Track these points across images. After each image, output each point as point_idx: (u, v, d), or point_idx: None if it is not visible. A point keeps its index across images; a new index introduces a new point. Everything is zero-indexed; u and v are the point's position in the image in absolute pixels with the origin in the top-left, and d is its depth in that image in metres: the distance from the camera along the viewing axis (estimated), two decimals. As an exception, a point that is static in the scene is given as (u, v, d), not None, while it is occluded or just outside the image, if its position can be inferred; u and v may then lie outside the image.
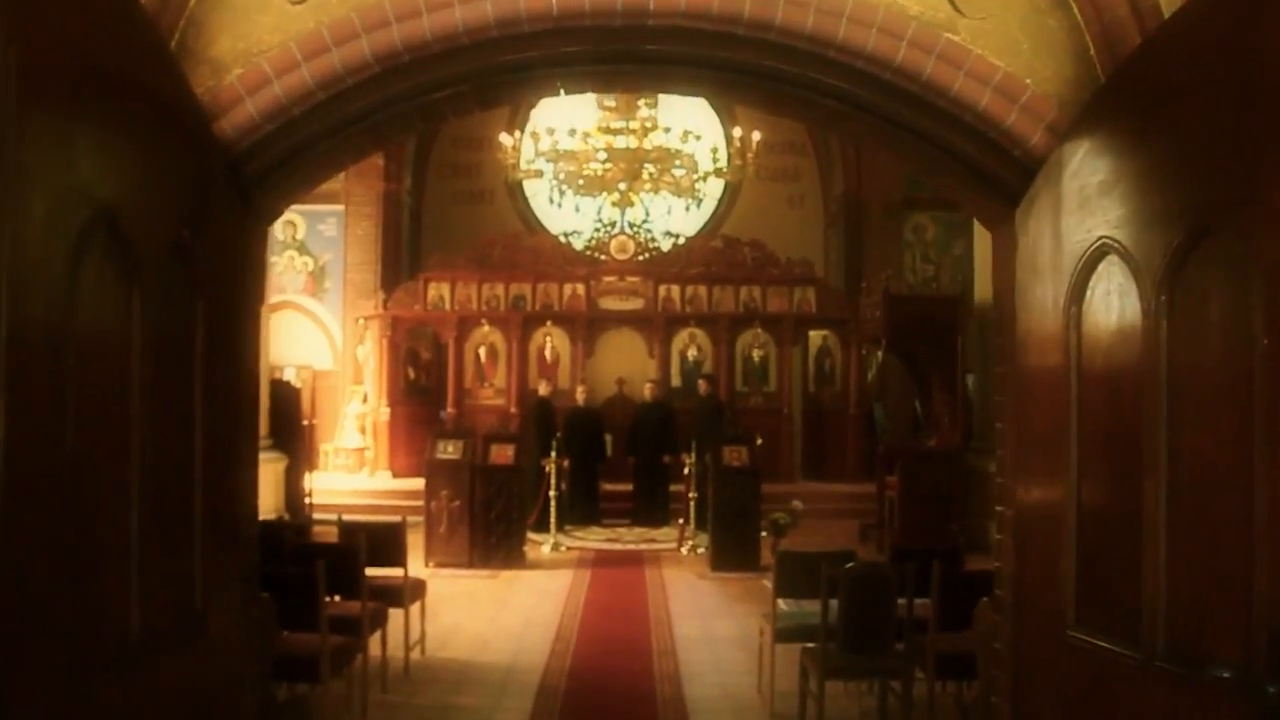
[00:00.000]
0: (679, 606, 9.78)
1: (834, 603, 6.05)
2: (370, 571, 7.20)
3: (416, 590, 8.00)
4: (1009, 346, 4.46)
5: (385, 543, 7.66)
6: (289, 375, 17.37)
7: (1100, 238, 3.79)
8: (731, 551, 11.34)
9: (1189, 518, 3.35)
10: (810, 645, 6.32)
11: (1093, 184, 3.88)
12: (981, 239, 13.24)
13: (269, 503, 12.45)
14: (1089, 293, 3.87)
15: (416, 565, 10.94)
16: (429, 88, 4.38)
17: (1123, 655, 3.59)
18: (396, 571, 7.70)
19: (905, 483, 12.46)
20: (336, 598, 6.91)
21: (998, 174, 4.41)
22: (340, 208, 18.11)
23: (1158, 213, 3.53)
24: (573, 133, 12.59)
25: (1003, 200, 4.45)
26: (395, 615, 7.50)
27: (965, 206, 4.88)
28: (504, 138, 12.90)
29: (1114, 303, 3.74)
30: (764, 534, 11.48)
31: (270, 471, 12.73)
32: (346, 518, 14.07)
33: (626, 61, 4.47)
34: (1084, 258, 3.87)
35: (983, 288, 13.18)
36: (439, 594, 9.74)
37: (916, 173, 5.44)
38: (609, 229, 15.57)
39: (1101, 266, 3.81)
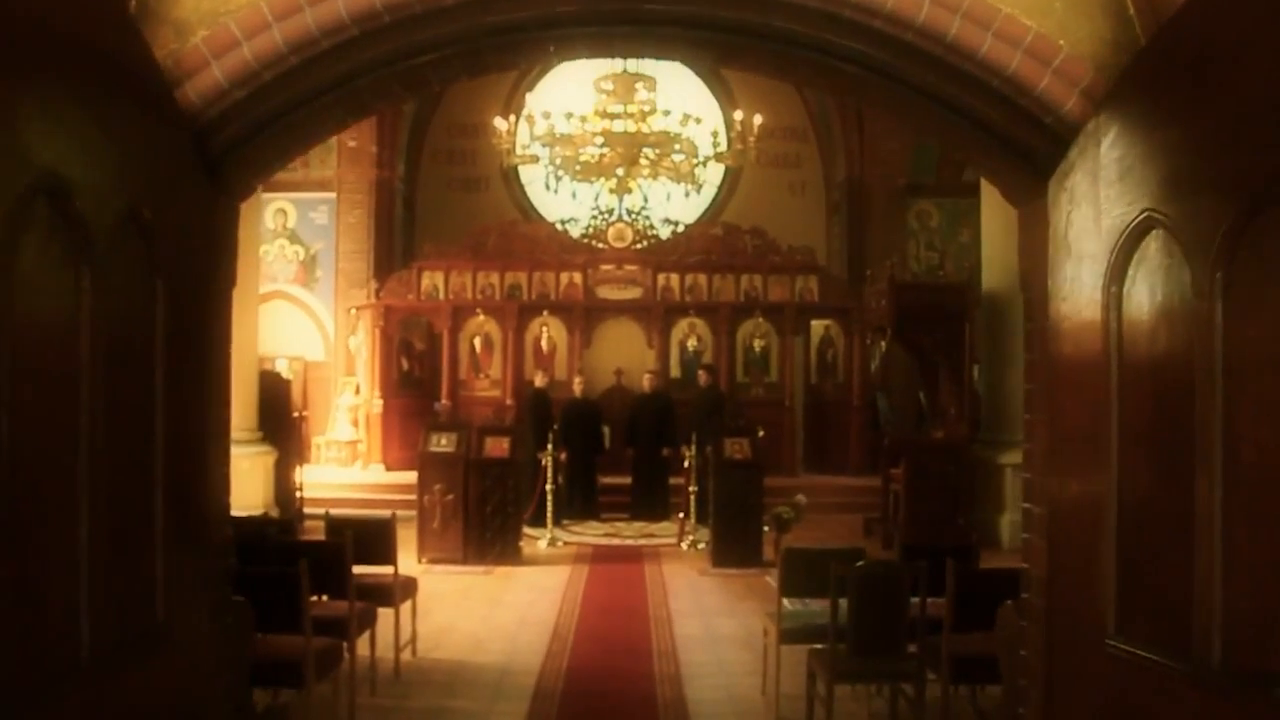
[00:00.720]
0: (679, 604, 9.50)
1: (843, 602, 5.79)
2: (359, 569, 6.99)
3: (407, 588, 7.74)
4: (1039, 331, 4.13)
5: (374, 539, 7.44)
6: (281, 366, 17.13)
7: (1144, 211, 3.47)
8: (733, 547, 11.07)
9: (1248, 517, 3.05)
10: (818, 647, 6.07)
11: (1135, 153, 3.56)
12: (990, 225, 12.98)
13: (258, 497, 12.17)
14: (1131, 271, 3.56)
15: (409, 561, 10.69)
16: (411, 51, 4.04)
17: (1171, 668, 3.28)
18: (386, 569, 7.46)
19: (911, 476, 12.20)
20: (324, 597, 6.68)
21: (1028, 144, 4.08)
22: (332, 195, 17.83)
23: (1211, 183, 3.22)
24: (569, 116, 12.24)
25: (1033, 173, 4.12)
26: (385, 615, 7.24)
27: (992, 181, 4.55)
28: (499, 122, 12.54)
29: (1160, 282, 3.43)
30: (766, 529, 11.19)
31: (259, 465, 12.45)
32: (338, 512, 13.89)
33: (624, 23, 4.12)
34: (1125, 233, 3.55)
35: (990, 275, 12.92)
36: (432, 591, 9.50)
37: (940, 144, 5.11)
38: (606, 216, 15.30)
39: (1146, 243, 3.49)
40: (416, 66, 4.13)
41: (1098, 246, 3.70)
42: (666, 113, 11.99)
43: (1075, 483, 3.84)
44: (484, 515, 11.18)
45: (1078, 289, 3.82)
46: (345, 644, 6.33)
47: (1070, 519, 3.86)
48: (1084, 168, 3.82)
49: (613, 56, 8.07)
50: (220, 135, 4.00)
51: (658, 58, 5.64)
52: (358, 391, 16.93)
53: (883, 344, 16.56)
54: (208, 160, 4.03)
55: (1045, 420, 4.08)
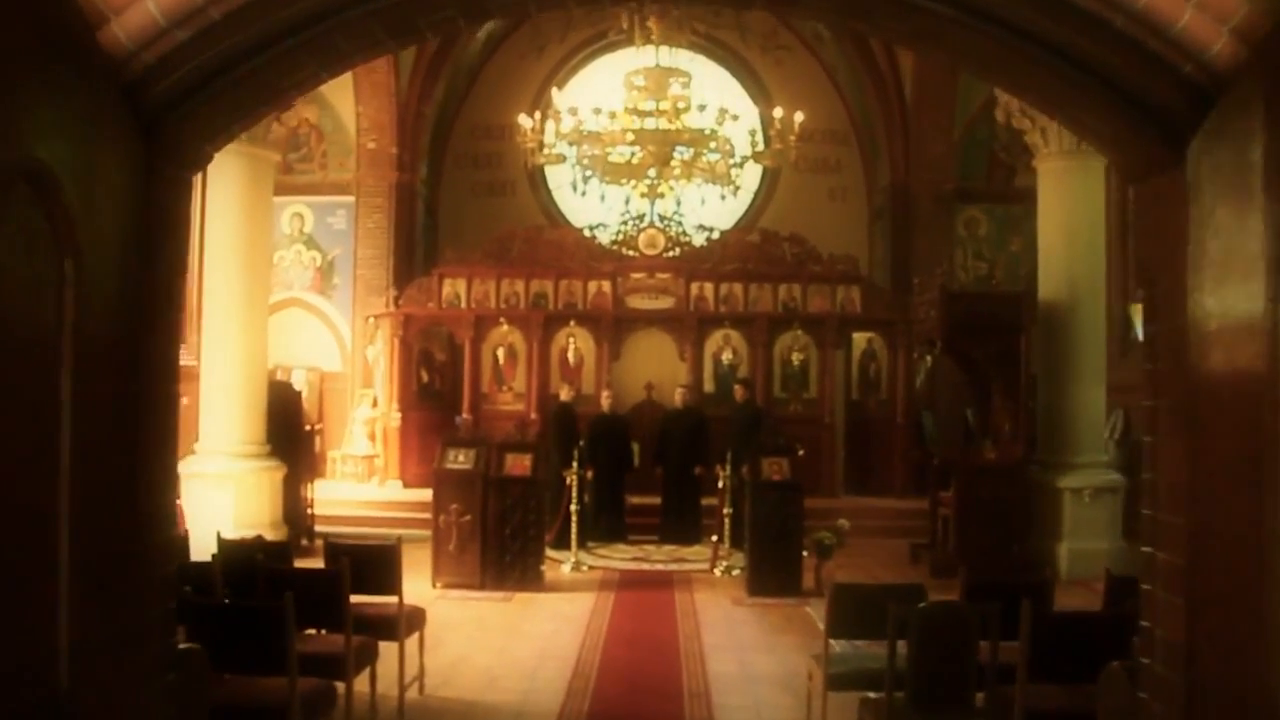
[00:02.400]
0: (713, 637, 8.76)
1: (900, 645, 5.08)
2: (361, 599, 6.43)
3: (414, 620, 7.08)
4: (1171, 334, 3.30)
5: (377, 566, 6.76)
6: (298, 378, 16.52)
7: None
8: (771, 574, 10.32)
9: None
10: (872, 696, 5.36)
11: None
12: (1048, 230, 12.18)
13: (264, 516, 11.61)
14: (1309, 256, 2.74)
15: (423, 587, 10.19)
16: (394, -16, 3.29)
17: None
18: (391, 599, 6.76)
19: (961, 499, 11.49)
20: (323, 631, 6.18)
21: (1160, 100, 3.25)
22: (351, 199, 17.22)
23: None
24: (598, 111, 11.48)
25: (1165, 137, 3.29)
26: (389, 649, 6.57)
27: (1108, 151, 3.74)
28: (523, 119, 11.81)
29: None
30: (804, 554, 10.46)
31: (266, 481, 11.81)
32: (350, 532, 13.30)
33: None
34: (1301, 207, 2.73)
35: (1048, 285, 12.11)
36: (445, 620, 8.88)
37: (1042, 105, 4.23)
38: (637, 222, 14.66)
39: (1331, 217, 2.67)
40: (401, 5, 3.37)
41: (1258, 225, 2.88)
42: (702, 107, 11.21)
43: (1226, 525, 3.01)
44: (503, 538, 10.50)
45: (1229, 280, 3.00)
46: (342, 684, 5.70)
47: (1220, 573, 3.03)
48: (1237, 126, 3.00)
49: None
50: (157, 87, 3.24)
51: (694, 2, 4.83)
52: (375, 404, 16.26)
53: (928, 359, 15.79)
54: (142, 118, 3.28)
55: (1181, 445, 3.24)
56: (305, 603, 5.73)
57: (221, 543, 7.05)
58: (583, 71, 18.89)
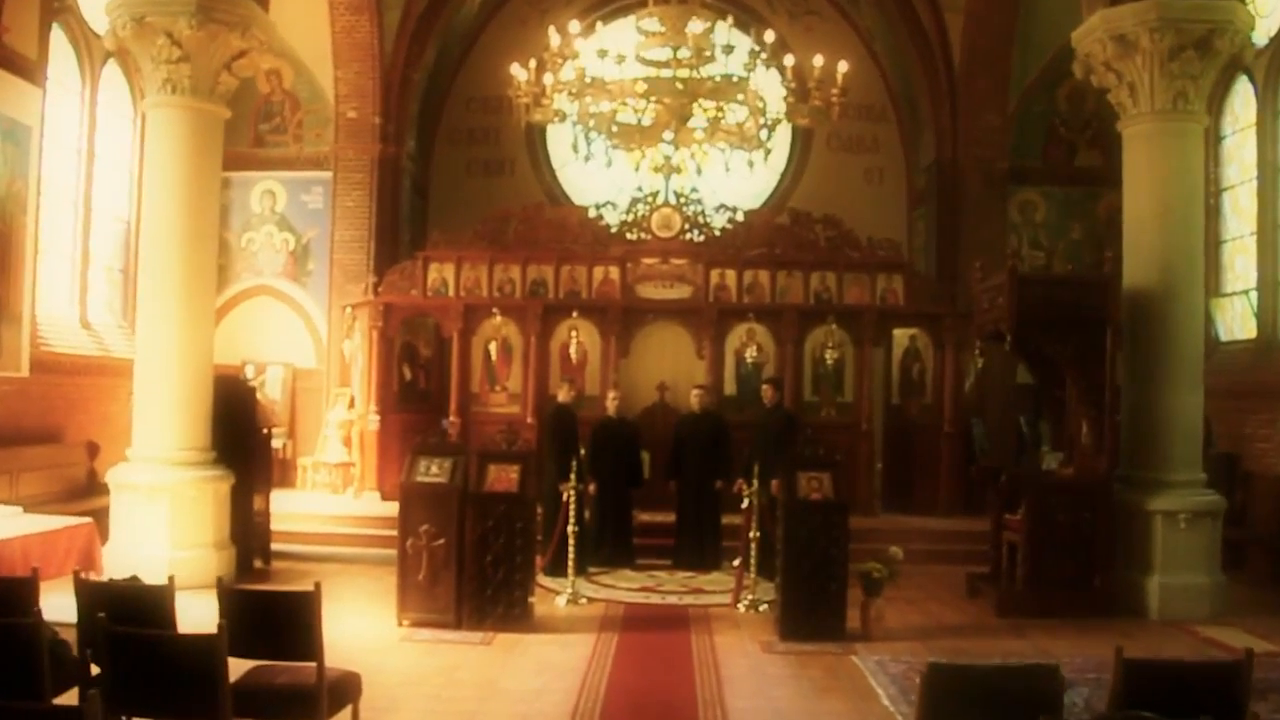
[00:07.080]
0: (739, 699, 6.98)
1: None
2: (274, 664, 5.16)
3: (342, 691, 5.41)
4: None
5: (289, 620, 5.18)
6: (273, 375, 14.92)
7: None
8: (808, 613, 8.58)
9: None
10: None
11: None
12: (1136, 204, 10.41)
13: (206, 534, 10.08)
14: None
15: (388, 623, 8.66)
16: None
17: None
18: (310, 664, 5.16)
19: (1033, 522, 9.79)
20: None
21: None
22: (328, 175, 15.66)
23: None
24: (603, 54, 9.67)
25: None
26: None
27: None
28: (516, 70, 10.01)
29: None
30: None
31: (209, 493, 10.11)
32: (316, 550, 11.60)
33: None
34: None
35: (1134, 270, 10.27)
36: (406, 672, 7.33)
37: None
38: (650, 200, 13.09)
39: None
40: None
41: None
42: (729, 48, 9.39)
43: None
44: (483, 566, 8.81)
45: None
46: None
47: None
48: None
49: None
50: None
51: None
52: (352, 405, 14.53)
53: (979, 360, 14.01)
54: None
55: None
56: (178, 680, 4.36)
57: (79, 587, 5.28)
58: (591, 38, 17.31)
